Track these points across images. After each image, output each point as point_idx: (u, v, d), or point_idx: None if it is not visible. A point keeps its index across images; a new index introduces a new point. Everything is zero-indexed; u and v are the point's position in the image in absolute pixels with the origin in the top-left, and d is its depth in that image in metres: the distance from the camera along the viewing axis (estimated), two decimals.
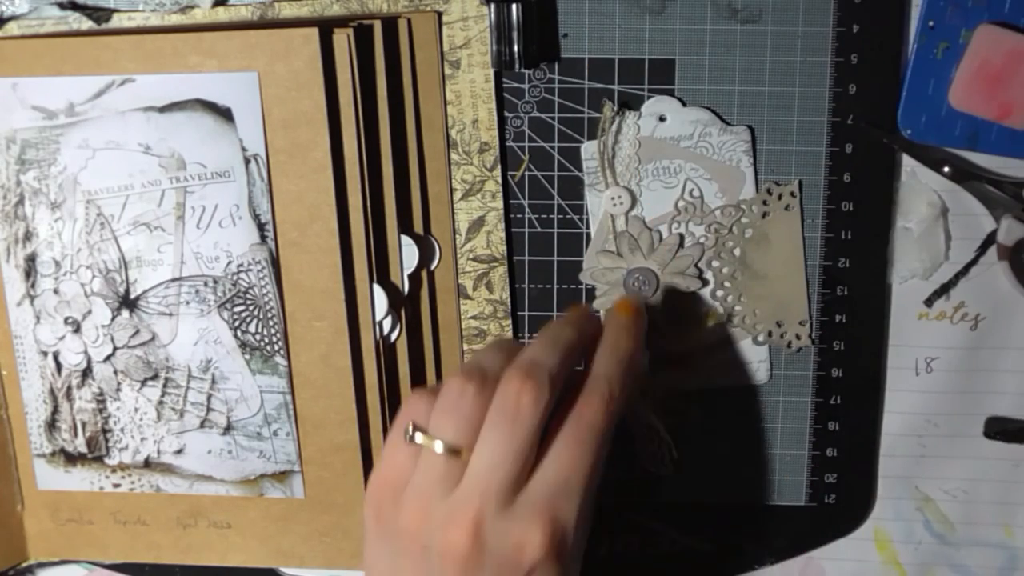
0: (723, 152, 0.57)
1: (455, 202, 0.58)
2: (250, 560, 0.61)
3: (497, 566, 0.47)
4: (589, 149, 0.57)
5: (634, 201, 0.57)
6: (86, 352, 0.59)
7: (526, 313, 0.59)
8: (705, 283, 0.58)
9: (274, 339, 0.57)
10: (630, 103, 0.57)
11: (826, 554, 0.61)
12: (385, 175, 0.56)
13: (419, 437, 0.48)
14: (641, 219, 0.57)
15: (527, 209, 0.58)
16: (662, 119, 0.56)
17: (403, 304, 0.57)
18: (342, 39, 0.53)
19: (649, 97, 0.56)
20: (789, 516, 0.61)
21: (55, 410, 0.60)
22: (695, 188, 0.57)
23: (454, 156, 0.57)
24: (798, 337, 0.58)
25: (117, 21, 0.56)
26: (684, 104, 0.56)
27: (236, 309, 0.57)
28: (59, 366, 0.59)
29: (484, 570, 0.47)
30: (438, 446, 0.48)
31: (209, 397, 0.59)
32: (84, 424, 0.60)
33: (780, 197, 0.57)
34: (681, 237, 0.57)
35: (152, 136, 0.55)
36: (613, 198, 0.57)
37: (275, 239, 0.56)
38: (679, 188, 0.57)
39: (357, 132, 0.54)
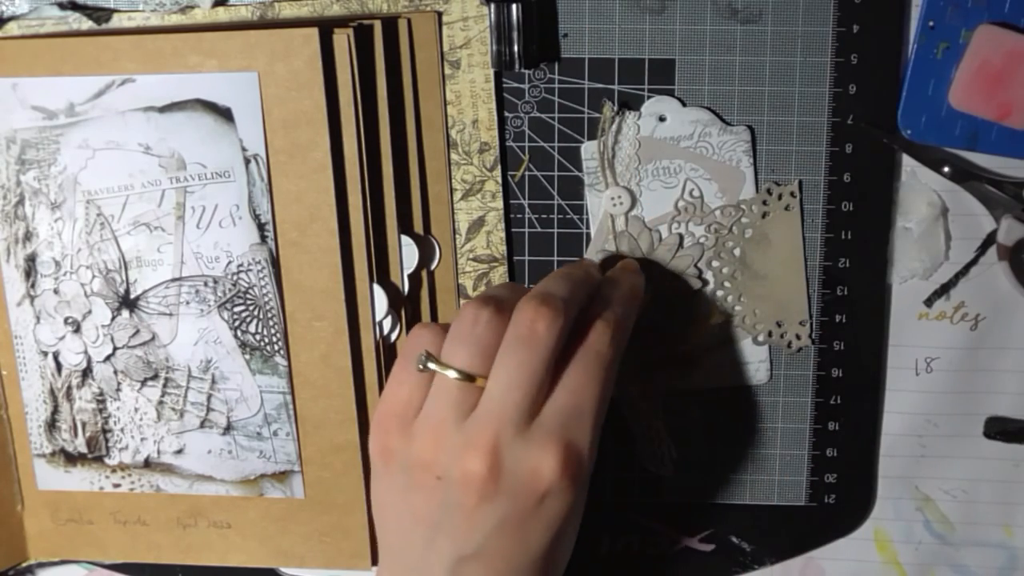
0: (723, 152, 0.57)
1: (455, 202, 0.58)
2: (250, 560, 0.61)
3: (513, 491, 0.47)
4: (589, 149, 0.57)
5: (634, 201, 0.57)
6: (86, 352, 0.59)
7: None
8: (705, 283, 0.58)
9: (274, 339, 0.57)
10: (630, 103, 0.57)
11: (826, 554, 0.61)
12: (385, 175, 0.56)
13: (432, 365, 0.49)
14: (641, 219, 0.57)
15: (527, 209, 0.58)
16: (662, 119, 0.56)
17: (403, 304, 0.57)
18: (342, 39, 0.54)
19: (649, 97, 0.56)
20: (789, 516, 0.61)
21: (55, 410, 0.60)
22: (695, 188, 0.57)
23: (454, 156, 0.57)
24: (798, 337, 0.58)
25: (117, 21, 0.56)
26: (684, 104, 0.56)
27: (236, 309, 0.57)
28: (59, 366, 0.59)
29: (501, 496, 0.47)
30: (452, 373, 0.48)
31: (209, 397, 0.59)
32: (84, 424, 0.60)
33: (780, 197, 0.57)
34: (681, 237, 0.57)
35: (152, 136, 0.55)
36: (613, 198, 0.57)
37: (275, 239, 0.56)
38: (679, 188, 0.57)
39: (357, 132, 0.54)
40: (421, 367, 0.49)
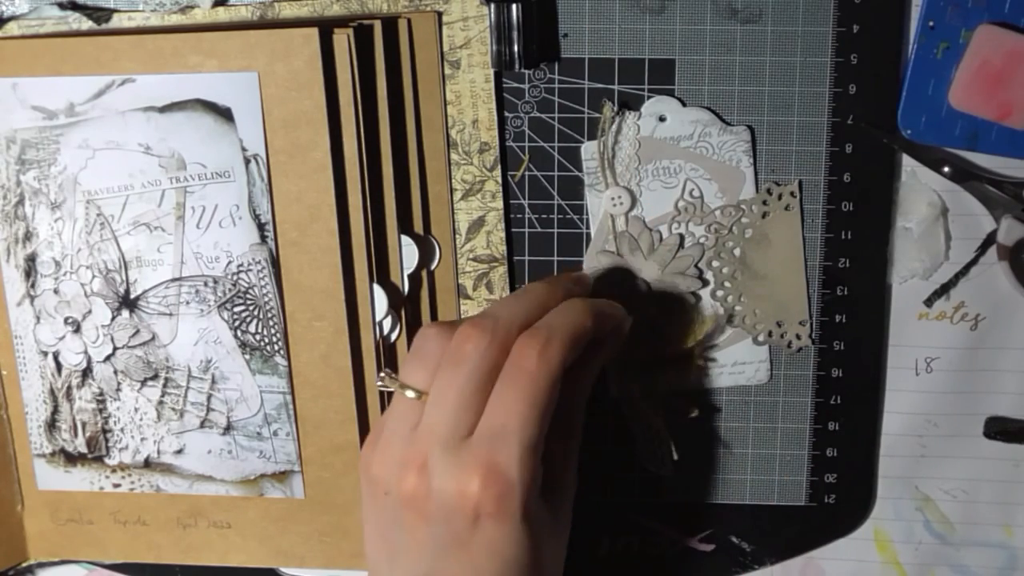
0: (723, 152, 0.57)
1: (455, 202, 0.58)
2: (250, 560, 0.61)
3: (445, 512, 0.47)
4: (589, 149, 0.57)
5: (634, 201, 0.57)
6: (86, 352, 0.59)
7: None
8: (705, 283, 0.58)
9: (274, 339, 0.57)
10: (630, 103, 0.57)
11: (826, 554, 0.61)
12: (385, 175, 0.56)
13: (382, 382, 0.50)
14: (641, 219, 0.57)
15: (527, 209, 0.58)
16: (662, 119, 0.56)
17: (403, 304, 0.57)
18: (342, 39, 0.54)
19: (649, 97, 0.56)
20: (789, 516, 0.61)
21: (55, 410, 0.60)
22: (695, 188, 0.57)
23: (454, 156, 0.57)
24: (798, 337, 0.58)
25: (117, 21, 0.56)
26: (684, 104, 0.56)
27: (236, 309, 0.57)
28: (59, 366, 0.59)
29: (435, 516, 0.47)
30: (407, 392, 0.49)
31: (209, 397, 0.59)
32: (84, 424, 0.60)
33: (780, 197, 0.57)
34: (681, 237, 0.57)
35: (152, 136, 0.55)
36: (613, 198, 0.57)
37: (275, 239, 0.56)
38: (679, 188, 0.57)
39: (357, 132, 0.54)
40: (379, 383, 0.49)
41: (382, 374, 0.50)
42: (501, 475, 0.46)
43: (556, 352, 0.48)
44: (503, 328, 0.48)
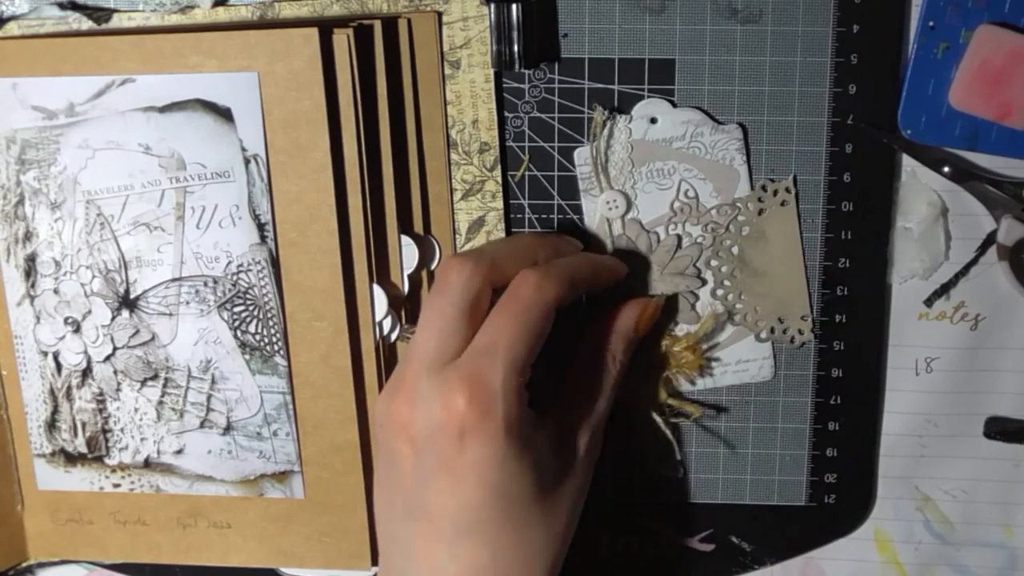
0: (716, 151, 0.56)
1: (455, 202, 0.58)
2: (250, 560, 0.61)
3: (432, 433, 0.48)
4: (582, 155, 0.57)
5: (629, 204, 0.57)
6: (86, 352, 0.59)
7: None
8: (704, 283, 0.58)
9: (274, 339, 0.57)
10: (628, 104, 0.56)
11: (826, 554, 0.61)
12: (385, 175, 0.56)
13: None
14: (638, 221, 0.57)
15: (527, 209, 0.58)
16: (653, 121, 0.56)
17: (403, 304, 0.57)
18: (342, 39, 0.54)
19: (649, 97, 0.56)
20: (789, 516, 0.61)
21: (55, 410, 0.60)
22: (690, 188, 0.57)
23: (454, 156, 0.57)
24: (800, 332, 0.58)
25: (117, 21, 0.56)
26: (674, 105, 0.56)
27: (236, 309, 0.57)
28: (59, 366, 0.59)
29: (424, 437, 0.48)
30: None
31: (209, 397, 0.59)
32: (84, 424, 0.60)
33: (776, 193, 0.57)
34: (679, 238, 0.57)
35: (152, 136, 0.55)
36: (608, 202, 0.57)
37: (275, 239, 0.56)
38: (674, 189, 0.57)
39: (357, 132, 0.55)
40: (408, 335, 0.53)
41: (409, 327, 0.53)
42: (485, 387, 0.48)
43: (551, 285, 0.50)
44: (486, 258, 0.50)
